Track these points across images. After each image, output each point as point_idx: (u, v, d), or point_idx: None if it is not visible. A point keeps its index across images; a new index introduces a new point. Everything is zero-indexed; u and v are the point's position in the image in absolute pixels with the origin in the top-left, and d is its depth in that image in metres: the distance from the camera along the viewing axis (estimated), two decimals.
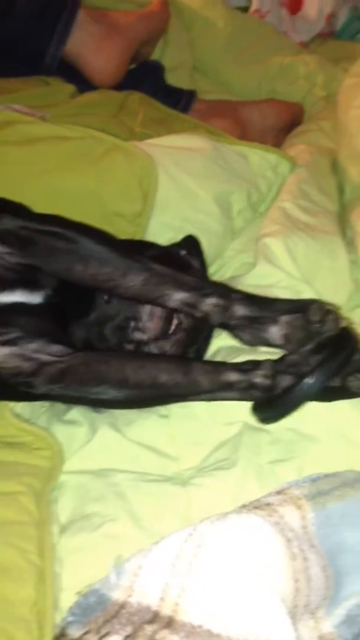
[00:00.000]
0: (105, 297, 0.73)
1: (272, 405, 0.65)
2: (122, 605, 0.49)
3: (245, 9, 1.65)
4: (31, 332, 0.69)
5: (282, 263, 0.82)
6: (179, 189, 0.90)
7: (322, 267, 0.84)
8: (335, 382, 0.64)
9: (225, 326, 0.70)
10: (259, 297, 0.70)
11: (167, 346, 0.72)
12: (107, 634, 0.47)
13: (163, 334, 0.72)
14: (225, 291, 0.69)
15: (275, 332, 0.68)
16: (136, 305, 0.71)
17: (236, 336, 0.71)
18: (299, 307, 0.67)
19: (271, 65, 1.45)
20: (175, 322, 0.72)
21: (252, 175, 0.98)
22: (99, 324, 0.73)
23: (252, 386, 0.66)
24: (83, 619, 0.49)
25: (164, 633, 0.46)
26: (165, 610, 0.48)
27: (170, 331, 0.72)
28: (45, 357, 0.67)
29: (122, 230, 0.84)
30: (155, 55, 1.38)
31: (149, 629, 0.46)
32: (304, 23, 1.73)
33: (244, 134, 1.23)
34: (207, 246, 0.87)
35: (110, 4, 1.34)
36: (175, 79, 1.35)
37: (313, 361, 0.64)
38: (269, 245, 0.83)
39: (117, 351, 0.71)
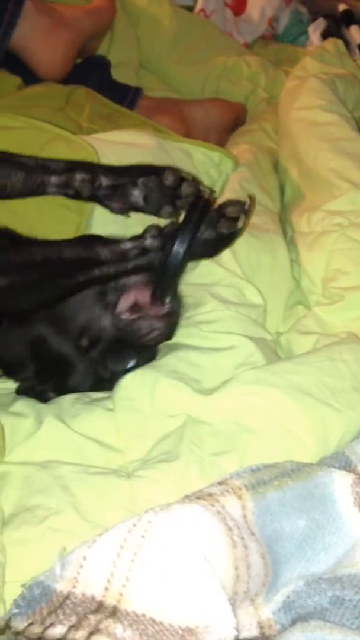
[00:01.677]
0: None
1: (160, 277, 0.71)
2: (67, 596, 0.49)
3: (190, 9, 1.66)
4: None
5: (224, 261, 0.83)
6: None
7: (263, 265, 0.86)
8: (210, 235, 0.71)
9: (95, 198, 0.78)
10: (119, 166, 0.79)
11: None
12: (51, 625, 0.47)
13: None
14: (90, 166, 0.77)
15: (136, 194, 0.76)
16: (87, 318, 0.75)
17: (106, 207, 0.78)
18: (155, 171, 0.76)
19: (215, 64, 1.47)
20: None
21: (196, 172, 0.99)
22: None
23: (144, 250, 0.71)
24: (27, 611, 0.49)
25: (108, 622, 0.46)
26: (110, 600, 0.48)
27: None
28: None
29: (68, 221, 0.83)
30: (101, 51, 1.37)
31: (93, 618, 0.47)
32: (248, 25, 1.75)
33: (189, 132, 1.24)
34: None
35: None
36: (121, 75, 1.34)
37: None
38: None
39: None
